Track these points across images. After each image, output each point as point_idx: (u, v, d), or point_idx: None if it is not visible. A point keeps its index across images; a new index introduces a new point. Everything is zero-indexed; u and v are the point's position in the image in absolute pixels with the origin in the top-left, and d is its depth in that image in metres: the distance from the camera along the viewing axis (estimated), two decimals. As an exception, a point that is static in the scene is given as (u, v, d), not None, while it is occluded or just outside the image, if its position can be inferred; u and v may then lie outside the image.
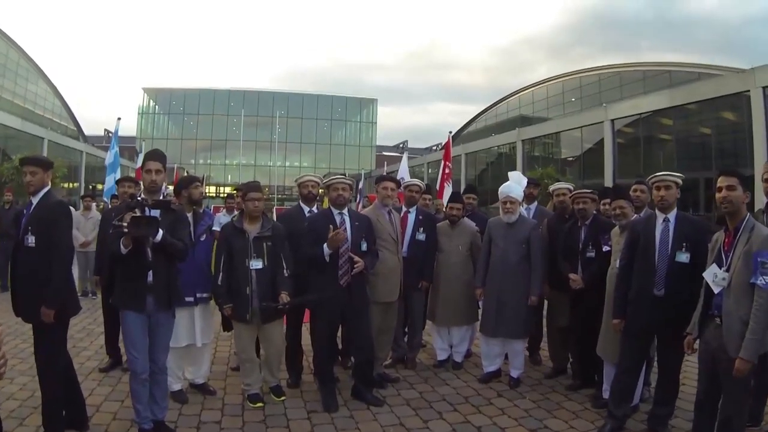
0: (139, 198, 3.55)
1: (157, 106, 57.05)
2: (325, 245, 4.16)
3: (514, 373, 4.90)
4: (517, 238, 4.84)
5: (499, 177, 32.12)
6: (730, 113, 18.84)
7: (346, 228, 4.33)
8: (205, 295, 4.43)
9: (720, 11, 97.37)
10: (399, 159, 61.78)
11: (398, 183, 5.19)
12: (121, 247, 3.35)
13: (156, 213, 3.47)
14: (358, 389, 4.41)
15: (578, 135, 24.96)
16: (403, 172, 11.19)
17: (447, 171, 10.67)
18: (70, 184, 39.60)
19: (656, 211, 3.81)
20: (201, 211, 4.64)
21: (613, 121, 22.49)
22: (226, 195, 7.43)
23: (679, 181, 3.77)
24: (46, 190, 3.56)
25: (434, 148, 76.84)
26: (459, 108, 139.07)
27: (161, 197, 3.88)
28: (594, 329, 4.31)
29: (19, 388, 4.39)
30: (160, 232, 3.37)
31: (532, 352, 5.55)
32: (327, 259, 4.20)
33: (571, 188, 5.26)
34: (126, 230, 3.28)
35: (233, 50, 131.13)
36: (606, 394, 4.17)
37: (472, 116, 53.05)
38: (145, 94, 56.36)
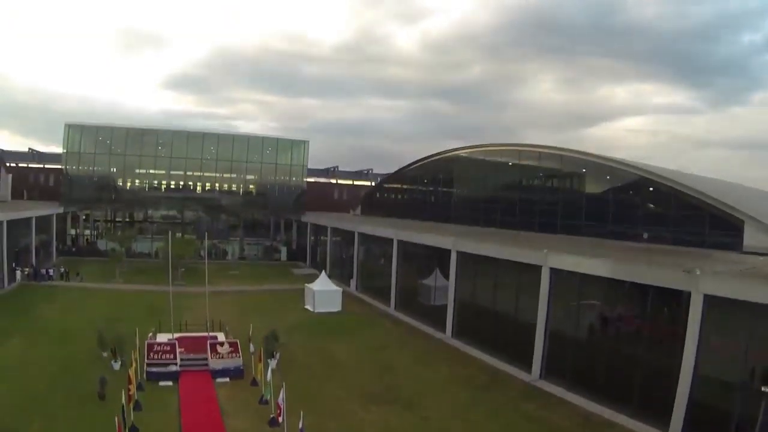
0: None
1: (82, 143, 55.54)
2: None
3: None
4: None
5: (430, 271, 33.98)
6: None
7: None
8: None
9: (656, 22, 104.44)
10: (329, 186, 64.85)
11: None
12: None
13: None
14: None
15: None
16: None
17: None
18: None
19: None
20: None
21: (551, 269, 23.10)
22: None
23: None
24: None
25: (366, 171, 79.62)
26: (392, 104, 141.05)
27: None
28: None
29: None
30: None
31: None
32: None
33: None
34: None
35: (160, 26, 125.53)
36: None
37: (401, 166, 55.79)
38: (70, 130, 54.62)
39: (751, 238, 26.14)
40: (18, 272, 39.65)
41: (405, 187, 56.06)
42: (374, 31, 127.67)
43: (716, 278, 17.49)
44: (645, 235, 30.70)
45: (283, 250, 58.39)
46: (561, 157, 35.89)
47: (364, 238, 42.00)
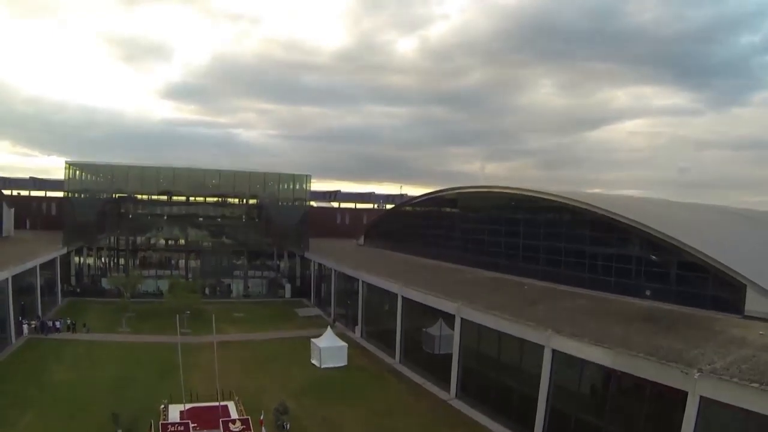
0: None
1: (82, 180, 55.78)
2: None
3: None
4: None
5: (434, 320, 33.79)
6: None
7: None
8: None
9: (656, 26, 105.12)
10: (332, 211, 65.94)
11: None
12: None
13: None
14: None
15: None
16: None
17: None
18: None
19: None
20: None
21: (553, 350, 23.68)
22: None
23: None
24: None
25: (368, 194, 79.89)
26: (392, 110, 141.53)
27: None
28: None
29: None
30: None
31: None
32: None
33: None
34: None
35: (161, 36, 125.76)
36: None
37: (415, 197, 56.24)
38: (71, 168, 54.71)
39: (752, 302, 26.41)
40: (25, 326, 39.86)
41: (408, 220, 56.05)
42: (374, 39, 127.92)
43: (713, 382, 17.74)
44: (648, 292, 31.00)
45: (287, 286, 58.60)
46: (566, 207, 35.99)
47: (370, 284, 42.17)
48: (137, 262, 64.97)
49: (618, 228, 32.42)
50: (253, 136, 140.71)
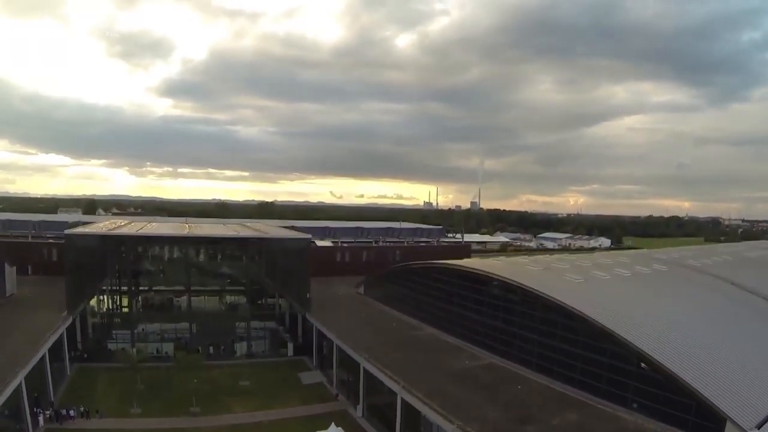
0: None
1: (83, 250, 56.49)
2: None
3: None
4: None
5: None
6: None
7: None
8: None
9: (656, 21, 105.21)
10: (332, 250, 66.16)
11: None
12: None
13: None
14: None
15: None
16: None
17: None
18: None
19: None
20: None
21: None
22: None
23: None
24: None
25: (365, 230, 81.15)
26: (391, 107, 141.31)
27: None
28: None
29: None
30: None
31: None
32: None
33: None
34: None
35: (159, 33, 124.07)
36: None
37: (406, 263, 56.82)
38: (71, 238, 55.31)
39: (730, 435, 28.22)
40: (41, 417, 41.23)
41: (410, 284, 57.42)
42: (373, 35, 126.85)
43: None
44: (635, 405, 32.79)
45: (290, 345, 60.03)
46: (564, 311, 37.34)
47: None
48: (140, 304, 66.35)
49: (614, 340, 33.90)
50: (253, 133, 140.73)
